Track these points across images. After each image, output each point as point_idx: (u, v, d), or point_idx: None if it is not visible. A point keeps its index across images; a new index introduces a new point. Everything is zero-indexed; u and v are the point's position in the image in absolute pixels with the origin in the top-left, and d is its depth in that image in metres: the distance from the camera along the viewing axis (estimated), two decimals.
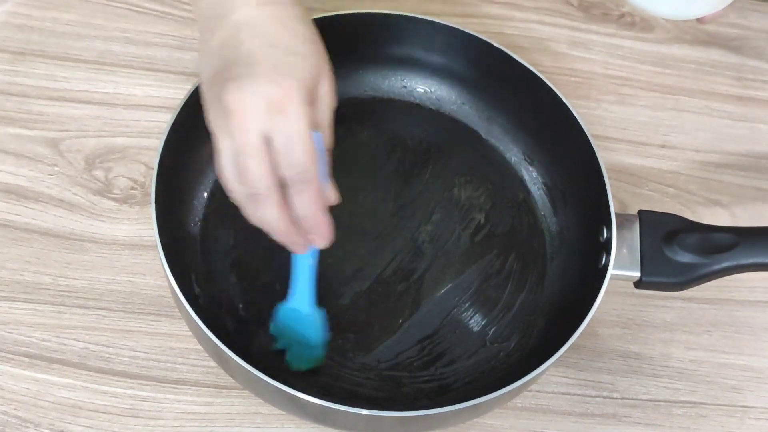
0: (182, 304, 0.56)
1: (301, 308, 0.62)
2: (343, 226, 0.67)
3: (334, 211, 0.68)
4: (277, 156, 0.51)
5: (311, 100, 0.53)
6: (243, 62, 0.52)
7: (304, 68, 0.53)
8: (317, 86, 0.54)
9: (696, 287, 0.62)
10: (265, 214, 0.53)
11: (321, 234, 0.55)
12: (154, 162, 0.60)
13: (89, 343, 0.64)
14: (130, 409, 0.62)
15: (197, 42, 0.57)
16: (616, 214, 0.62)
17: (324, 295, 0.64)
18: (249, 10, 0.54)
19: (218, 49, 0.54)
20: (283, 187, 0.53)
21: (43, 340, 0.64)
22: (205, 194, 0.67)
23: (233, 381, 0.62)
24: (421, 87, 0.74)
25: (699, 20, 0.64)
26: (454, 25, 0.69)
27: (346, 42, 0.70)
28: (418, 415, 0.55)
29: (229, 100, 0.51)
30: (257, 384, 0.55)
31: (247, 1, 0.54)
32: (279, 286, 0.65)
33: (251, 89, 0.51)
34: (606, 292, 0.60)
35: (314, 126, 0.53)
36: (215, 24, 0.55)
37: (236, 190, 0.53)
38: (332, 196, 0.58)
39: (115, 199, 0.70)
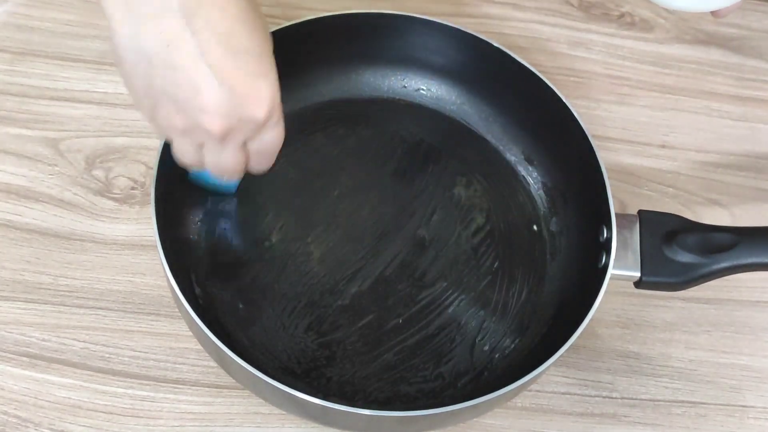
0: (182, 304, 0.56)
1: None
2: (343, 226, 0.68)
3: (334, 211, 0.68)
4: (251, 153, 0.55)
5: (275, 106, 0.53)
6: (217, 86, 0.49)
7: (273, 68, 0.52)
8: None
9: (696, 287, 0.62)
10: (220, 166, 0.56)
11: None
12: (154, 162, 0.60)
13: (89, 343, 0.64)
14: (129, 408, 0.62)
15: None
16: (616, 214, 0.62)
17: (322, 294, 0.65)
18: (177, 21, 0.48)
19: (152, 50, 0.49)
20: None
21: (43, 340, 0.64)
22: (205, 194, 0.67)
23: (233, 381, 0.62)
24: (421, 87, 0.74)
25: (713, 14, 0.63)
26: (454, 25, 0.69)
27: (347, 42, 0.71)
28: (418, 415, 0.55)
29: (214, 128, 0.51)
30: (257, 384, 0.55)
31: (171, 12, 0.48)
32: (279, 285, 0.65)
33: (238, 118, 0.51)
34: (606, 292, 0.60)
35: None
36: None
37: (199, 168, 0.56)
38: None
39: (115, 199, 0.70)
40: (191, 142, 0.53)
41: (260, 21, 0.51)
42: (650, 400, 0.67)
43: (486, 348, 0.64)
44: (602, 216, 0.63)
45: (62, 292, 0.66)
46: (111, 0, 0.48)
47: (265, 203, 0.68)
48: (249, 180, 0.69)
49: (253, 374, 0.54)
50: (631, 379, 0.67)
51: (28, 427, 0.61)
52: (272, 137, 0.55)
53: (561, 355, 0.57)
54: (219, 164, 0.55)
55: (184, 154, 0.55)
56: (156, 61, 0.49)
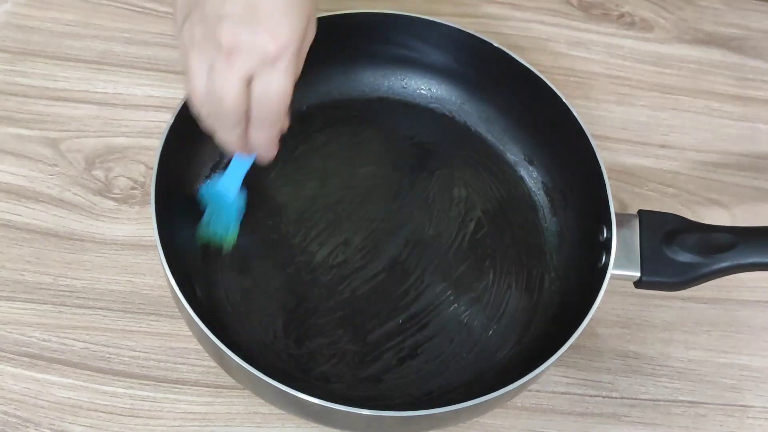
0: (182, 304, 0.56)
1: (227, 194, 0.64)
2: (342, 225, 0.68)
3: (334, 211, 0.68)
4: (253, 98, 0.54)
5: (300, 50, 0.54)
6: (243, 2, 0.52)
7: (301, 20, 0.53)
8: (307, 35, 0.55)
9: (696, 287, 0.62)
10: (225, 137, 0.57)
11: (269, 156, 0.60)
12: (154, 162, 0.60)
13: (89, 343, 0.64)
14: (130, 408, 0.62)
15: None
16: (616, 214, 0.62)
17: (323, 294, 0.65)
18: None
19: None
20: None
21: (43, 340, 0.64)
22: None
23: (233, 381, 0.62)
24: (421, 87, 0.74)
25: None
26: (454, 25, 0.69)
27: (346, 42, 0.71)
28: (418, 415, 0.55)
29: (224, 39, 0.52)
30: (257, 384, 0.55)
31: None
32: (279, 285, 0.65)
33: (249, 38, 0.52)
34: (606, 291, 0.60)
35: (297, 75, 0.55)
36: None
37: (203, 108, 0.55)
38: (287, 123, 0.60)
39: (115, 199, 0.70)
40: (203, 58, 0.54)
41: None
42: (650, 400, 0.67)
43: (486, 348, 0.64)
44: (602, 216, 0.63)
45: (62, 292, 0.66)
46: None
47: (265, 203, 0.68)
48: (250, 180, 0.69)
49: (253, 374, 0.54)
50: (631, 379, 0.67)
51: (28, 427, 0.61)
52: (278, 84, 0.54)
53: (561, 355, 0.57)
54: (222, 90, 0.54)
55: (196, 76, 0.54)
56: None
